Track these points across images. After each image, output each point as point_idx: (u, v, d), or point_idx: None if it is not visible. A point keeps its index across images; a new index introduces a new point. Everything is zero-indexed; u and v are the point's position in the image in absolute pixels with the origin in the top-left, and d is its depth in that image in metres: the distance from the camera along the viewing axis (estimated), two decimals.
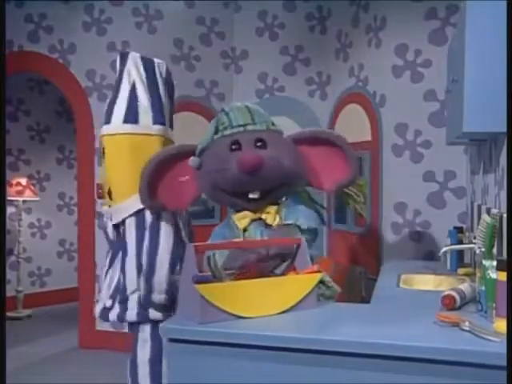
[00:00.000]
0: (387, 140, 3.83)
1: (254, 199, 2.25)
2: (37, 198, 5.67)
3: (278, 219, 2.27)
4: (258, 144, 2.22)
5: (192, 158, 2.31)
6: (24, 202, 5.59)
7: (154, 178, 2.28)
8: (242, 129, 2.26)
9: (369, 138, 3.97)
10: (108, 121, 2.42)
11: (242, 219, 2.29)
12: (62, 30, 4.50)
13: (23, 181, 5.54)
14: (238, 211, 2.33)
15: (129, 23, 4.43)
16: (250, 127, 2.26)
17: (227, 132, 2.27)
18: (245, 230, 2.29)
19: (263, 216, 2.27)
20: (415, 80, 3.70)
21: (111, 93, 2.55)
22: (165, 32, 4.53)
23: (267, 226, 2.27)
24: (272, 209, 2.28)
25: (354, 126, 4.14)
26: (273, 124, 2.36)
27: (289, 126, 4.68)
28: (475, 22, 2.01)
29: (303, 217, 2.28)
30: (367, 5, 4.02)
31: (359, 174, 2.60)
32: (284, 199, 2.36)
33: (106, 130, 2.42)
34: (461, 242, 2.99)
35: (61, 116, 6.07)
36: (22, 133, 5.88)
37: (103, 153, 2.45)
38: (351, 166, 2.29)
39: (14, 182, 5.48)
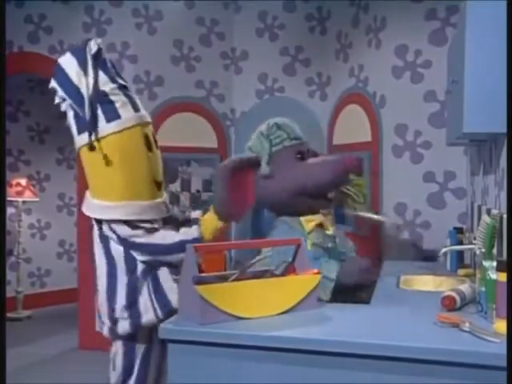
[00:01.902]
0: (387, 141, 3.83)
1: (330, 199, 2.46)
2: (36, 199, 5.67)
3: (331, 228, 2.41)
4: (310, 154, 2.47)
5: (263, 167, 2.39)
6: (24, 202, 5.59)
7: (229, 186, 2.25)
8: (299, 141, 2.51)
9: (369, 138, 3.97)
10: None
11: (309, 222, 2.39)
12: (62, 30, 4.50)
13: (23, 181, 5.54)
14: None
15: (129, 24, 4.44)
16: (298, 140, 2.53)
17: (287, 143, 2.49)
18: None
19: (324, 221, 2.40)
20: (415, 80, 3.71)
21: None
22: (165, 33, 4.54)
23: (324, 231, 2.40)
24: (329, 216, 2.43)
25: (353, 126, 4.14)
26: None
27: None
28: (475, 23, 2.01)
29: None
30: (367, 5, 4.02)
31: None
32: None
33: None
34: (461, 243, 2.99)
35: (61, 117, 5.95)
36: (21, 133, 5.89)
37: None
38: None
39: (14, 182, 5.48)
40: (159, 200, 2.26)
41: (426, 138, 3.69)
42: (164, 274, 2.19)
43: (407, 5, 3.71)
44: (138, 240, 2.14)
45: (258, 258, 2.01)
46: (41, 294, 5.91)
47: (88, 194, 2.27)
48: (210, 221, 2.19)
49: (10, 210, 5.61)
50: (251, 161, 2.23)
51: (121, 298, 2.18)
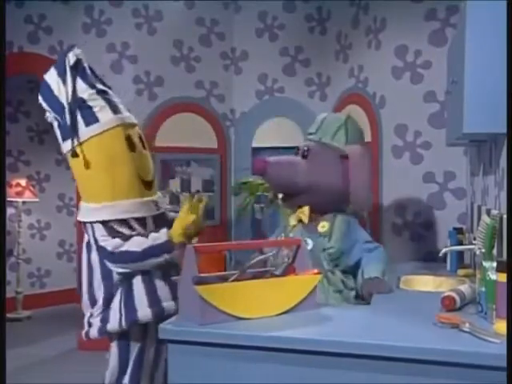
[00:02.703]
0: (387, 141, 3.83)
1: (282, 198, 2.52)
2: (36, 199, 5.66)
3: (326, 226, 2.37)
4: (305, 153, 2.46)
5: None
6: (23, 203, 5.58)
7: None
8: (308, 136, 2.57)
9: (368, 139, 3.97)
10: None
11: (292, 218, 2.47)
12: (62, 31, 4.50)
13: (23, 182, 5.53)
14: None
15: (129, 24, 4.43)
16: (310, 136, 2.54)
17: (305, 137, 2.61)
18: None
19: (300, 215, 2.43)
20: (415, 81, 3.70)
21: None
22: (165, 33, 4.54)
23: (309, 227, 2.40)
24: (305, 209, 2.40)
25: (353, 129, 4.13)
26: (332, 138, 2.49)
27: (288, 127, 4.72)
28: (475, 23, 2.01)
29: None
30: (367, 6, 4.02)
31: None
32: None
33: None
34: (461, 243, 2.99)
35: None
36: (21, 134, 5.89)
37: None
38: None
39: (14, 182, 5.48)
40: (148, 198, 2.28)
41: (426, 139, 3.68)
42: (138, 285, 2.21)
43: (407, 5, 3.70)
44: (111, 249, 2.17)
45: (258, 258, 2.01)
46: (41, 295, 5.90)
47: (82, 199, 2.32)
48: (180, 223, 2.20)
49: (9, 211, 5.60)
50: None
51: (98, 304, 2.24)
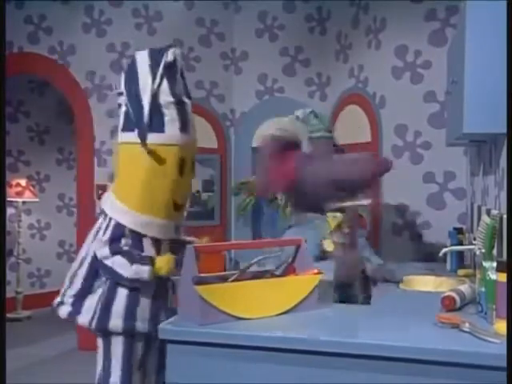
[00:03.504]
0: (387, 141, 3.83)
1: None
2: (36, 199, 5.66)
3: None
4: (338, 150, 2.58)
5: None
6: (24, 203, 5.58)
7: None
8: (329, 133, 2.64)
9: (368, 139, 3.97)
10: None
11: (335, 219, 2.36)
12: (62, 31, 4.50)
13: (23, 182, 5.53)
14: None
15: (128, 24, 4.44)
16: (329, 134, 2.67)
17: (326, 134, 2.64)
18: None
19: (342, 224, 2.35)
20: (415, 81, 3.71)
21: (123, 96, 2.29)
22: (164, 33, 4.54)
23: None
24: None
25: (353, 127, 4.14)
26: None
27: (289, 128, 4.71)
28: (475, 23, 2.01)
29: None
30: (367, 6, 4.02)
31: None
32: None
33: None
34: (461, 243, 2.99)
35: (60, 117, 6.06)
36: (21, 134, 5.89)
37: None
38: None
39: (14, 182, 5.48)
40: (172, 222, 2.26)
41: (426, 139, 3.69)
42: (121, 295, 2.18)
43: (407, 5, 3.71)
44: (100, 257, 2.16)
45: (258, 258, 2.01)
46: (40, 295, 5.90)
47: (110, 188, 2.29)
48: (165, 261, 2.18)
49: (9, 211, 5.61)
50: (291, 142, 2.34)
51: (75, 283, 2.21)
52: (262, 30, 4.68)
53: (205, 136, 4.68)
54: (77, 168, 4.67)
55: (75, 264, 2.27)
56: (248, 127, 4.75)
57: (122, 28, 4.45)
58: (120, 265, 2.13)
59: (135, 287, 2.17)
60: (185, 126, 2.23)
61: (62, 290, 2.27)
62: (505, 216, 2.00)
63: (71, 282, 2.25)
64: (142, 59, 2.20)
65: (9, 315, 5.26)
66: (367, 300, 2.14)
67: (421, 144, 3.70)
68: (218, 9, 4.70)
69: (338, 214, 2.33)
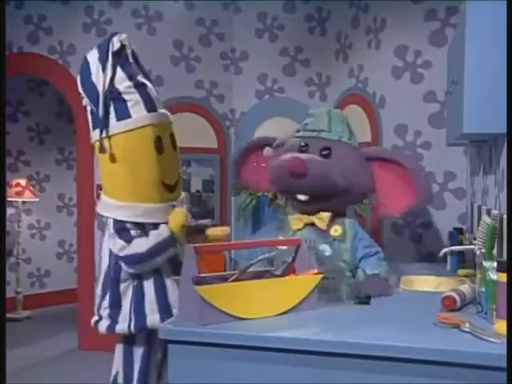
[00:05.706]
0: (387, 141, 3.82)
1: (301, 201, 2.27)
2: (36, 199, 5.66)
3: (339, 230, 2.25)
4: (324, 152, 2.27)
5: (267, 148, 2.47)
6: (23, 203, 5.58)
7: (239, 163, 2.66)
8: (315, 134, 2.33)
9: (368, 139, 3.97)
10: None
11: (296, 220, 2.30)
12: (62, 31, 4.49)
13: (23, 182, 5.53)
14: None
15: (128, 24, 4.43)
16: (323, 134, 2.32)
17: (301, 133, 2.38)
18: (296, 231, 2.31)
19: (315, 221, 2.26)
20: (415, 81, 3.70)
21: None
22: (164, 33, 4.54)
23: (321, 231, 2.26)
24: (324, 215, 2.25)
25: (353, 127, 4.12)
26: (350, 137, 2.39)
27: (288, 127, 4.71)
28: (475, 23, 2.01)
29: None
30: (367, 6, 4.02)
31: (429, 200, 2.61)
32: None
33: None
34: (461, 243, 2.99)
35: (60, 117, 6.06)
36: (21, 134, 5.88)
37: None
38: (418, 192, 2.23)
39: (14, 182, 5.48)
40: (168, 203, 2.26)
41: (426, 139, 3.68)
42: (149, 289, 2.20)
43: (407, 5, 3.70)
44: (117, 251, 2.16)
45: (258, 257, 2.01)
46: (40, 295, 5.90)
47: (102, 191, 2.30)
48: (179, 215, 2.19)
49: (9, 211, 5.60)
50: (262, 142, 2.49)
51: (106, 298, 2.24)
52: (261, 30, 4.68)
53: (205, 136, 4.68)
54: (77, 168, 4.67)
55: (100, 277, 2.28)
56: (248, 127, 4.75)
57: (122, 28, 4.43)
58: (137, 246, 2.14)
59: (159, 274, 2.19)
60: (151, 105, 2.21)
61: (96, 305, 2.28)
62: (505, 216, 2.00)
63: (103, 294, 2.25)
64: (92, 56, 2.21)
65: (9, 315, 5.25)
66: (367, 300, 2.13)
67: (421, 144, 3.70)
68: (218, 9, 4.70)
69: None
